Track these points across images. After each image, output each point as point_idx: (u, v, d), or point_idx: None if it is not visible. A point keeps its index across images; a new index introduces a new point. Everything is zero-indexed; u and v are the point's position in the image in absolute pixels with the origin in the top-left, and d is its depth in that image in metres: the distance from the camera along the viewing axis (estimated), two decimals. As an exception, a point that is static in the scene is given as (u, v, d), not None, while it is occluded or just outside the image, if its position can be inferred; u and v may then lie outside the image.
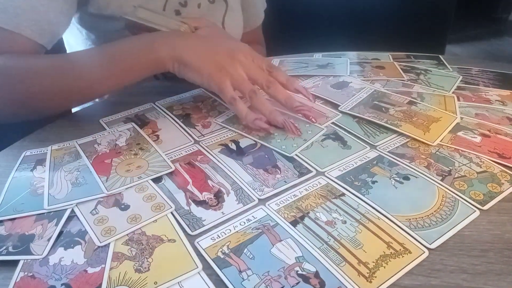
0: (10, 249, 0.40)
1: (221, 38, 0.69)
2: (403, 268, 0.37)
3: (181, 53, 0.59)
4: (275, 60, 0.84)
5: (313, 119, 0.60)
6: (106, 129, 0.60)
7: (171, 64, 0.60)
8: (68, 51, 0.86)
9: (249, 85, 0.59)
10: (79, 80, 0.60)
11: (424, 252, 0.39)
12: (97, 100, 0.85)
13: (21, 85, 0.58)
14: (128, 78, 0.61)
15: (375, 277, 0.36)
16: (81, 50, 0.77)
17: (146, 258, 0.38)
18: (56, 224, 0.42)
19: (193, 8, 0.80)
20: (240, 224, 0.42)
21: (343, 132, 0.58)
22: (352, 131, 0.58)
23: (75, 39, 0.80)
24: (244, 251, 0.39)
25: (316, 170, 0.50)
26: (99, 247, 0.39)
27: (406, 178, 0.49)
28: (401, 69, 0.79)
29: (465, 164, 0.51)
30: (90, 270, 0.37)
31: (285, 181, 0.49)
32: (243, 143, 0.56)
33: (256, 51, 0.63)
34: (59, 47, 0.84)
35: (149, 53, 0.60)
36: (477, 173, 0.49)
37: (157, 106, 0.67)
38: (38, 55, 0.64)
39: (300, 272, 0.37)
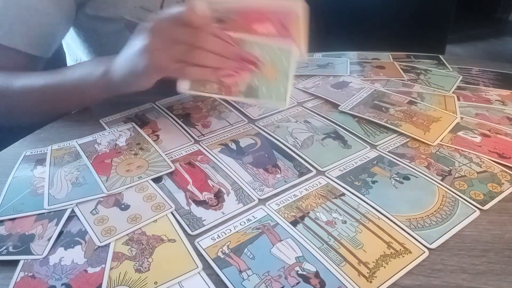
0: (10, 249, 0.40)
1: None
2: (403, 268, 0.37)
3: (114, 71, 0.55)
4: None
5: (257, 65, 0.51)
6: (106, 129, 0.60)
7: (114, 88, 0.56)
8: (66, 52, 0.86)
9: (179, 49, 0.49)
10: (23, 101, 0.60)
11: (424, 252, 0.39)
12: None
13: None
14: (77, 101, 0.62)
15: (375, 277, 0.36)
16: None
17: (146, 258, 0.38)
18: (56, 224, 0.42)
19: None
20: (240, 224, 0.42)
21: (343, 131, 0.58)
22: (352, 131, 0.58)
23: (73, 41, 0.80)
24: (244, 251, 0.39)
25: (316, 169, 0.50)
26: (99, 247, 0.39)
27: (406, 178, 0.49)
28: (401, 69, 0.79)
29: (465, 164, 0.51)
30: (90, 270, 0.37)
31: (285, 181, 0.49)
32: (243, 142, 0.56)
33: None
34: (57, 50, 0.83)
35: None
36: (477, 173, 0.49)
37: (157, 106, 0.67)
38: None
39: (300, 272, 0.37)
